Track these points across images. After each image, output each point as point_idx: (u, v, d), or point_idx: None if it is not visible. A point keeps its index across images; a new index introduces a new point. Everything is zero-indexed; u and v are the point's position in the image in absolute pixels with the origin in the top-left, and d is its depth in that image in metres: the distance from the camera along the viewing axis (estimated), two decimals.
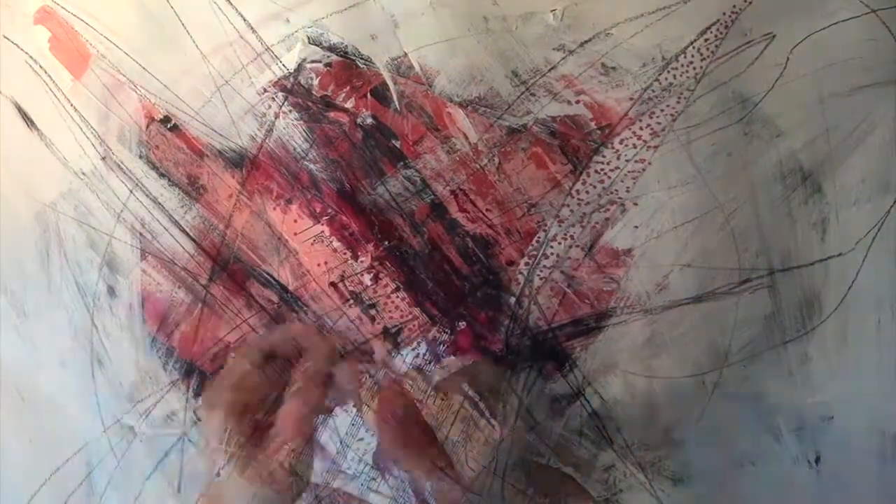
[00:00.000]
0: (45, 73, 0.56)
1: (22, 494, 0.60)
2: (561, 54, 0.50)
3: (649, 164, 0.50)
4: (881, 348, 0.51)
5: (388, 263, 0.55)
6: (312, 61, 0.53)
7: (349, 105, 0.53)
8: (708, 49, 0.48)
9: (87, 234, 0.58)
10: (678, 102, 0.49)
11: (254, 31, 0.53)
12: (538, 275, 0.53)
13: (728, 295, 0.51)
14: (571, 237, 0.52)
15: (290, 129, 0.54)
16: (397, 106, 0.52)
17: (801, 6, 0.48)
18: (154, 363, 0.58)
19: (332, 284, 0.56)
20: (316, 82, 0.53)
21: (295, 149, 0.54)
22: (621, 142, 0.50)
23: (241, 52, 0.53)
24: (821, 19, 0.48)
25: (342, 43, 0.52)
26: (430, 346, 0.55)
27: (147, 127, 0.56)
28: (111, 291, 0.58)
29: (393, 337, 0.56)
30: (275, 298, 0.57)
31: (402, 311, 0.56)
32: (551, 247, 0.52)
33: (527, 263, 0.53)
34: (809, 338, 0.52)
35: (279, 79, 0.53)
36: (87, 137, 0.56)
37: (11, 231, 0.59)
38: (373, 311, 0.56)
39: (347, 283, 0.56)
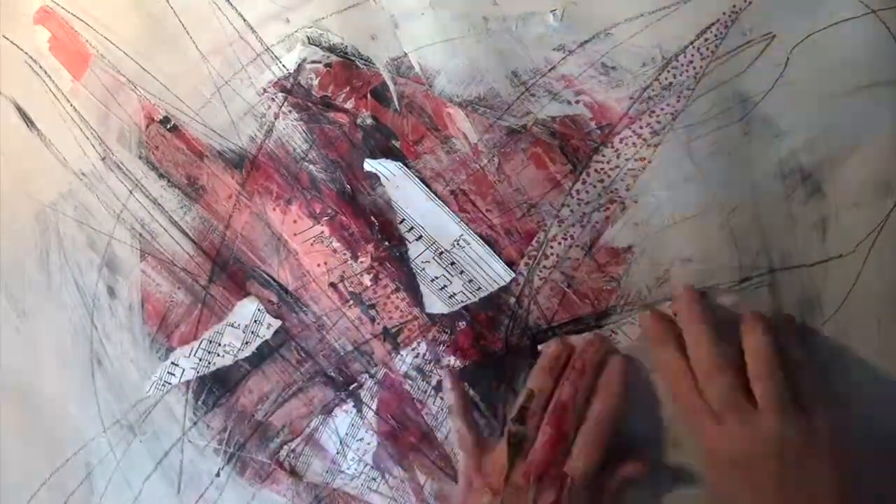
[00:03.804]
0: (45, 73, 0.56)
1: (22, 494, 0.60)
2: (561, 54, 0.50)
3: (649, 162, 0.50)
4: (881, 349, 0.51)
5: (387, 264, 0.55)
6: (312, 61, 0.53)
7: (349, 105, 0.53)
8: (708, 49, 0.48)
9: (86, 234, 0.58)
10: (678, 101, 0.49)
11: (254, 31, 0.53)
12: (538, 275, 0.53)
13: (728, 294, 0.51)
14: (571, 237, 0.52)
15: (290, 130, 0.54)
16: (397, 106, 0.52)
17: (801, 6, 0.48)
18: (154, 363, 0.58)
19: (332, 285, 0.56)
20: (316, 83, 0.53)
21: (295, 149, 0.54)
22: (621, 140, 0.50)
23: (240, 53, 0.53)
24: (821, 19, 0.48)
25: (342, 43, 0.52)
26: (430, 346, 0.55)
27: (147, 127, 0.56)
28: (111, 292, 0.58)
29: (393, 337, 0.56)
30: (274, 299, 0.57)
31: (402, 311, 0.55)
32: (551, 247, 0.52)
33: (527, 263, 0.53)
34: (809, 338, 0.51)
35: (279, 79, 0.53)
36: (87, 137, 0.56)
37: (11, 231, 0.59)
38: (373, 312, 0.56)
39: (347, 284, 0.56)
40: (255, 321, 0.57)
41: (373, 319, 0.56)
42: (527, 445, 0.50)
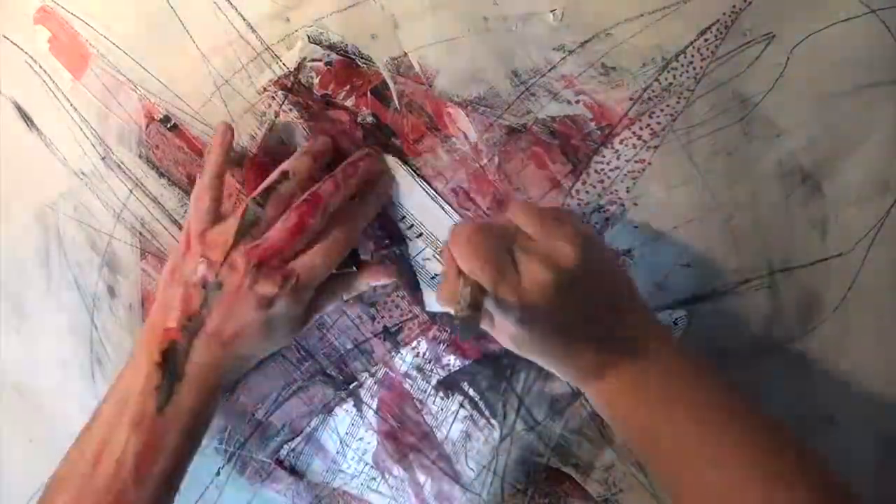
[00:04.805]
0: (45, 73, 0.56)
1: (22, 494, 0.60)
2: (561, 54, 0.50)
3: (649, 164, 0.50)
4: (881, 348, 0.51)
5: (388, 261, 0.55)
6: (313, 60, 0.53)
7: (349, 104, 0.53)
8: (708, 49, 0.48)
9: (86, 234, 0.58)
10: (678, 102, 0.49)
11: (254, 30, 0.53)
12: None
13: (728, 295, 0.51)
14: None
15: (291, 128, 0.54)
16: (397, 105, 0.52)
17: (801, 6, 0.48)
18: None
19: None
20: (316, 81, 0.53)
21: (295, 147, 0.54)
22: (621, 142, 0.50)
23: (241, 52, 0.53)
24: (821, 19, 0.48)
25: (342, 42, 0.52)
26: (431, 344, 0.56)
27: (147, 127, 0.56)
28: (111, 291, 0.58)
29: (393, 336, 0.56)
30: None
31: (402, 309, 0.56)
32: None
33: None
34: (809, 338, 0.52)
35: (279, 77, 0.53)
36: (87, 137, 0.56)
37: (11, 231, 0.59)
38: (372, 310, 0.56)
39: None
40: None
41: (373, 318, 0.56)
42: (257, 230, 0.47)
